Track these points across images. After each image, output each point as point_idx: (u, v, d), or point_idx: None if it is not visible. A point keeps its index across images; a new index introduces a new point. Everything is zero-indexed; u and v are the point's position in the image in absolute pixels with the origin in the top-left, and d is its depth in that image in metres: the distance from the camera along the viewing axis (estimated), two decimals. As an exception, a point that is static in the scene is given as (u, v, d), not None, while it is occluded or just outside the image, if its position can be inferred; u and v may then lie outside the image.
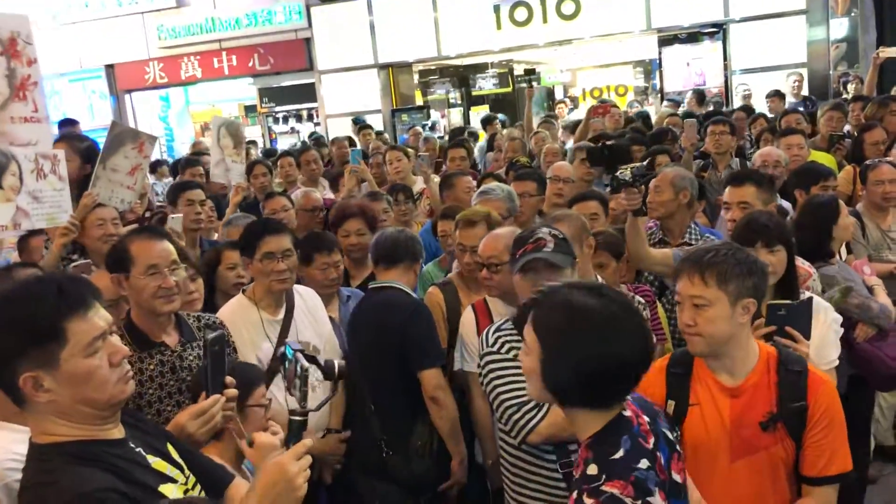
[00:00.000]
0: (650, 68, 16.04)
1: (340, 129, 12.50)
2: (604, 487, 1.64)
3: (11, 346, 1.58)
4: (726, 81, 12.42)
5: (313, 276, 3.56)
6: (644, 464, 1.68)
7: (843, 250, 3.92)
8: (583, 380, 1.67)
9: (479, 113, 14.82)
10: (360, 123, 11.21)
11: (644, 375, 1.74)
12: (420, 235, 4.00)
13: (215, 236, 4.89)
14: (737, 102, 10.80)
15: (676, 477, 1.80)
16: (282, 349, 1.82)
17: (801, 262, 3.01)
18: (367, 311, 3.37)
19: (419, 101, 15.24)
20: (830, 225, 3.45)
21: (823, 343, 2.60)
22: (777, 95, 9.20)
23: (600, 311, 1.68)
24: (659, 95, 13.54)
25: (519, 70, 16.56)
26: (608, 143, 4.33)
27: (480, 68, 15.92)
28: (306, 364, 1.75)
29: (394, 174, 6.00)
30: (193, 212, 4.47)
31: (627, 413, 1.74)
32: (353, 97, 13.75)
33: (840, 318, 2.78)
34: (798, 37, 11.56)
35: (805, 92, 10.27)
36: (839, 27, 11.87)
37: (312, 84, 14.20)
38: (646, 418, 1.78)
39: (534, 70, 16.87)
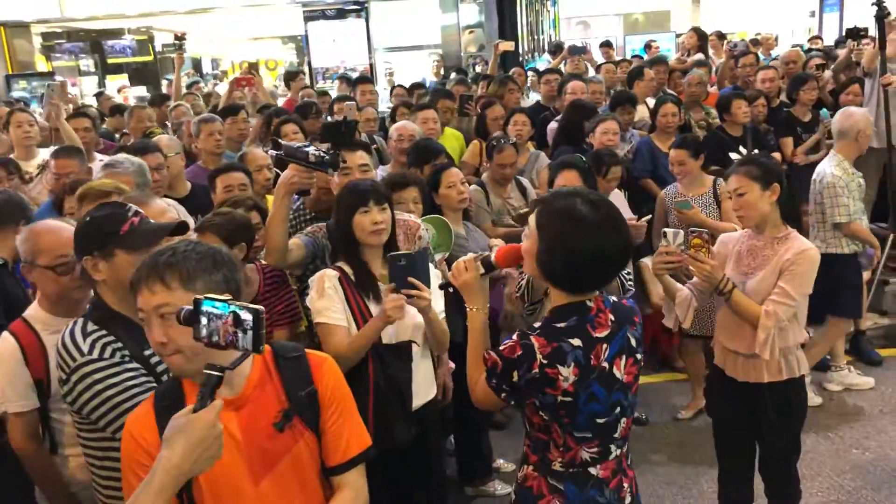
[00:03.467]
0: (301, 44, 16.01)
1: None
2: (531, 336, 1.98)
3: None
4: (371, 59, 12.84)
5: None
6: (576, 342, 1.97)
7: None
8: (568, 269, 1.98)
9: (115, 82, 13.58)
10: None
11: (616, 275, 2.24)
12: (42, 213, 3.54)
13: None
14: (382, 81, 11.21)
15: (617, 372, 2.03)
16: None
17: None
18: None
19: (43, 68, 13.49)
20: (431, 192, 3.97)
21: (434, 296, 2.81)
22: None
23: (592, 215, 1.96)
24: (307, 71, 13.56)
25: (163, 39, 15.46)
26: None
27: (116, 34, 14.57)
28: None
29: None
30: None
31: (590, 304, 2.03)
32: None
33: (438, 273, 3.10)
34: (433, 19, 12.32)
35: (442, 70, 11.00)
36: (469, 12, 12.89)
37: None
38: (611, 318, 2.04)
39: (183, 36, 15.84)
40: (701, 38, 9.17)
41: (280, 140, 3.06)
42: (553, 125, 6.01)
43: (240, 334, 1.52)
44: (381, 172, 4.71)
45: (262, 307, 1.53)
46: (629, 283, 3.32)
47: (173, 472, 1.49)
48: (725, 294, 2.99)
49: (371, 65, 12.77)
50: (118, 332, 2.18)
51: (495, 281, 3.71)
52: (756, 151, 5.72)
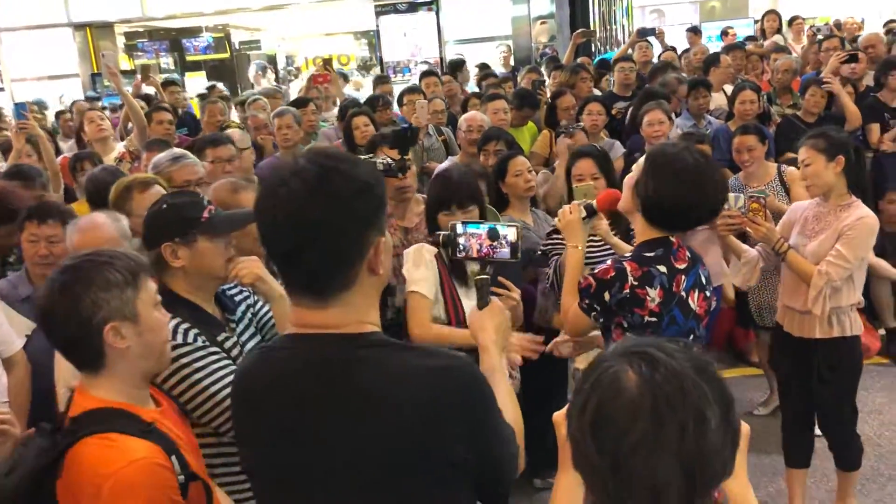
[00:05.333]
0: (374, 40, 16.13)
1: (30, 94, 11.07)
2: (623, 261, 2.29)
3: None
4: (441, 52, 12.85)
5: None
6: (663, 268, 2.25)
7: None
8: (668, 204, 2.23)
9: (194, 79, 13.95)
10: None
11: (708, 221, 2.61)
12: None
13: None
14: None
15: (692, 303, 2.31)
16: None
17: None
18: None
19: (127, 66, 13.97)
20: (497, 180, 3.96)
21: None
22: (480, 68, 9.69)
23: (700, 163, 2.24)
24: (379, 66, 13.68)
25: (239, 36, 15.82)
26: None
27: (194, 32, 14.97)
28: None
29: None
30: None
31: (673, 239, 2.32)
32: (44, 60, 12.25)
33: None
34: (504, 11, 12.25)
35: (512, 63, 10.91)
36: (540, 3, 12.77)
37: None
38: (688, 254, 2.33)
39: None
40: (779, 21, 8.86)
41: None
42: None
43: (497, 246, 1.87)
44: (447, 163, 4.71)
45: (520, 223, 2.03)
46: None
47: (495, 347, 1.78)
48: (781, 254, 3.29)
49: (441, 58, 12.78)
50: (187, 317, 2.18)
51: (534, 280, 3.81)
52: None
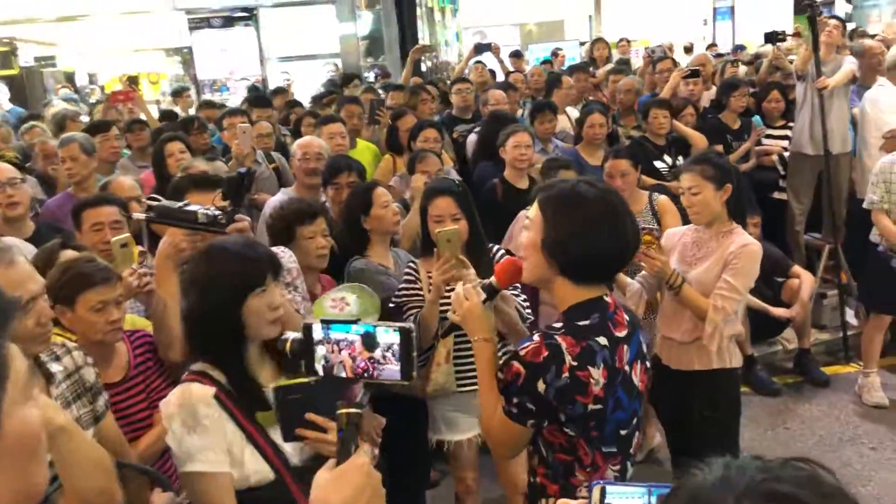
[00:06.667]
0: (189, 57, 14.95)
1: None
2: (556, 336, 1.78)
3: None
4: (263, 70, 12.06)
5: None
6: (603, 341, 1.80)
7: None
8: (586, 253, 1.80)
9: (-28, 98, 12.21)
10: None
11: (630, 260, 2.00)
12: None
13: None
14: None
15: (635, 379, 1.89)
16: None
17: None
18: None
19: None
20: (359, 216, 3.36)
21: None
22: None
23: (602, 195, 1.85)
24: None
25: (30, 50, 14.06)
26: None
27: (-27, 44, 13.15)
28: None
29: None
30: None
31: (608, 299, 1.87)
32: None
33: None
34: (330, 28, 11.66)
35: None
36: (367, 22, 12.30)
37: None
38: (626, 317, 1.89)
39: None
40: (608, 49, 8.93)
41: (153, 199, 2.27)
42: (472, 138, 5.48)
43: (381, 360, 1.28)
44: (281, 196, 4.04)
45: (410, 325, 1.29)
46: (527, 310, 2.95)
47: None
48: (675, 288, 3.09)
49: (264, 77, 11.99)
50: None
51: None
52: (680, 159, 5.40)
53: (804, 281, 4.83)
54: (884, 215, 4.52)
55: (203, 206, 2.20)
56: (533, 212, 1.89)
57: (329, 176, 3.88)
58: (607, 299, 1.88)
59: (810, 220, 5.81)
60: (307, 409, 1.76)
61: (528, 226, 1.91)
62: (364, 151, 5.19)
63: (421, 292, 3.07)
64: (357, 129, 5.41)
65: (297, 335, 1.33)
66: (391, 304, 3.15)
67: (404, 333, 1.24)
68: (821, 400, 4.84)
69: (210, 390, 1.88)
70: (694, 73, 6.09)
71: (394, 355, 1.24)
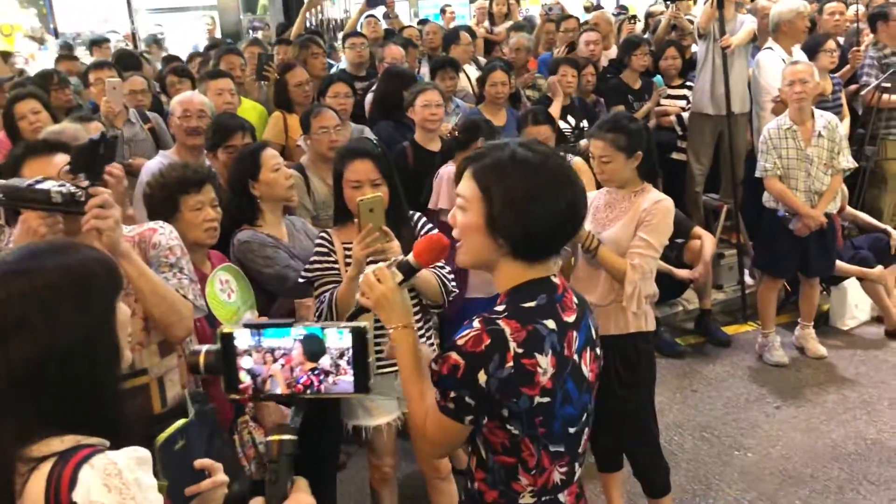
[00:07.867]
0: (45, 8, 13.62)
1: None
2: (499, 321, 1.57)
3: None
4: (132, 24, 11.13)
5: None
6: (551, 325, 1.60)
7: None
8: (532, 227, 1.58)
9: None
10: None
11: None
12: None
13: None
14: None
15: (585, 369, 1.68)
16: None
17: None
18: None
19: None
20: (246, 181, 3.10)
21: None
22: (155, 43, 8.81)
23: (542, 159, 1.61)
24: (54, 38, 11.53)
25: None
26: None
27: None
28: None
29: None
30: None
31: (556, 280, 1.68)
32: None
33: None
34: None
35: (218, 35, 9.66)
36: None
37: None
38: (575, 300, 1.70)
39: None
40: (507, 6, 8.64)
41: None
42: (370, 97, 5.12)
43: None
44: (161, 159, 3.60)
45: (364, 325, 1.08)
46: (452, 283, 2.77)
47: None
48: (592, 251, 3.02)
49: (133, 32, 11.07)
50: None
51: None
52: (584, 122, 5.27)
53: (706, 242, 4.81)
54: (777, 181, 4.54)
55: (57, 181, 1.79)
56: (465, 188, 1.63)
57: (220, 138, 3.46)
58: (555, 280, 1.67)
59: (709, 182, 5.82)
60: (193, 456, 1.39)
61: (462, 205, 1.64)
62: (250, 111, 4.73)
63: (336, 266, 2.76)
64: (239, 83, 4.95)
65: (212, 347, 1.02)
66: (301, 280, 2.83)
67: (358, 336, 0.95)
68: (724, 360, 4.89)
69: (147, 458, 1.22)
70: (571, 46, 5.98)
71: (348, 363, 0.95)
